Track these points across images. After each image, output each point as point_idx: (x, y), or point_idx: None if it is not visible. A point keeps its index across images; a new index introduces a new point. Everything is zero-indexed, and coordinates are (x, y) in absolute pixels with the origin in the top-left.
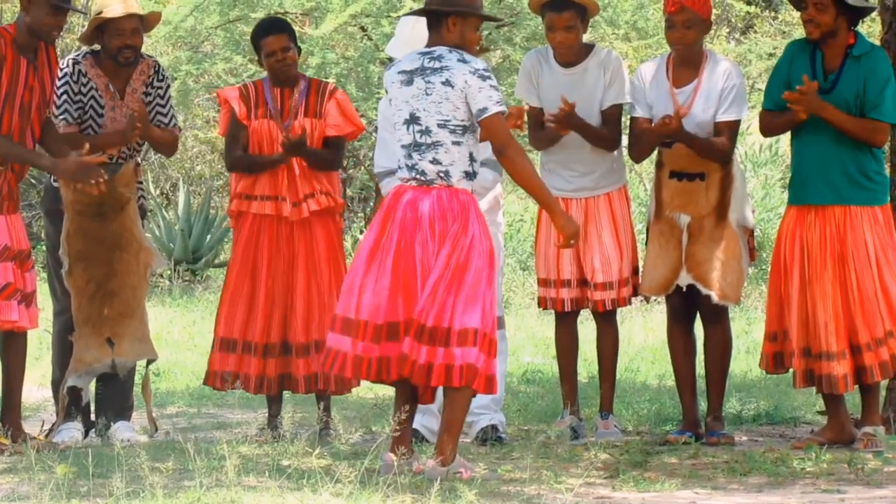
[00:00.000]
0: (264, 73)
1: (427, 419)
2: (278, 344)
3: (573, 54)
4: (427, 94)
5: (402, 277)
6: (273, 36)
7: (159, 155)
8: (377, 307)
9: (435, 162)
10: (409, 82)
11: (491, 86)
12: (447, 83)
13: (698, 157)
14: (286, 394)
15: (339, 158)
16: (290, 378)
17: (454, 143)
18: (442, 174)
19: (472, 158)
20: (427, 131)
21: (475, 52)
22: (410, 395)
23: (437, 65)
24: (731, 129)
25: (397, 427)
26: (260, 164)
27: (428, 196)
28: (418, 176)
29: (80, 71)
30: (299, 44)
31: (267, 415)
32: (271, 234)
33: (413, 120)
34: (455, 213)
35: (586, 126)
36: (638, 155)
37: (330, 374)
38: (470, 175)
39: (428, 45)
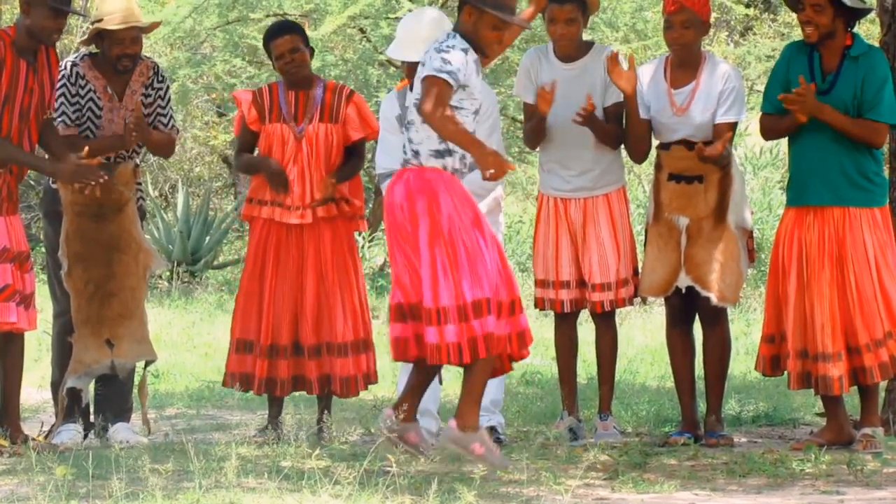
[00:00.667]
0: (263, 75)
1: (426, 421)
2: (289, 346)
3: (573, 48)
4: (418, 77)
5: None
6: (281, 38)
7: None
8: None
9: (409, 141)
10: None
11: (443, 57)
12: (422, 63)
13: (697, 160)
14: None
15: (360, 163)
16: (304, 379)
17: (423, 121)
18: (413, 153)
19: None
20: (408, 111)
21: (492, 50)
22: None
23: (425, 60)
24: (731, 131)
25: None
26: (251, 165)
27: (400, 180)
28: (402, 156)
29: (78, 73)
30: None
31: (267, 416)
32: (280, 237)
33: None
34: (421, 191)
35: (601, 124)
36: (635, 152)
37: (336, 376)
38: (441, 153)
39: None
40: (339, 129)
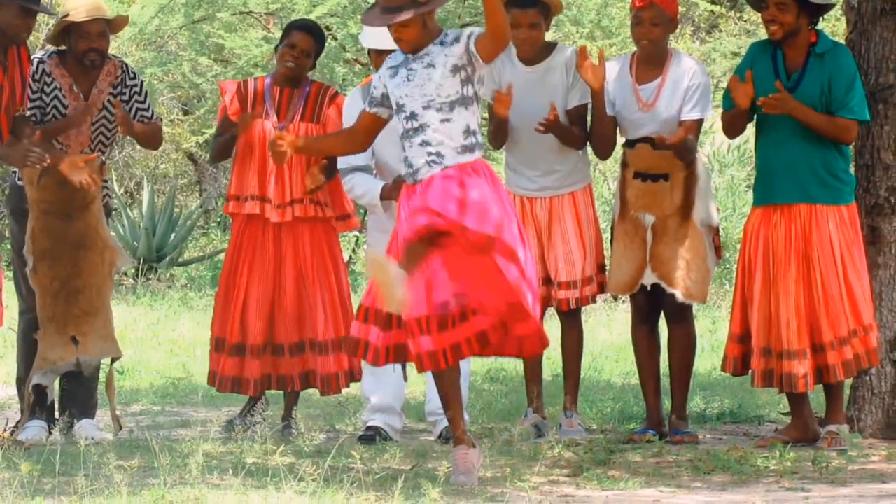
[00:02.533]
0: (229, 73)
1: (390, 418)
2: (267, 344)
3: (536, 51)
4: (409, 81)
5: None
6: (304, 34)
7: (123, 153)
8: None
9: (424, 144)
10: (395, 74)
11: (464, 32)
12: (430, 66)
13: (662, 158)
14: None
15: (334, 166)
16: (282, 377)
17: (442, 120)
18: (431, 159)
19: (468, 132)
20: (413, 116)
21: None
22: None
23: (419, 58)
24: (696, 128)
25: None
26: (219, 139)
27: (414, 194)
28: (408, 170)
29: (44, 70)
30: (266, 44)
31: (240, 410)
32: (258, 235)
33: (400, 108)
34: (462, 181)
35: (564, 129)
36: (601, 148)
37: (318, 373)
38: (468, 148)
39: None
40: (319, 130)
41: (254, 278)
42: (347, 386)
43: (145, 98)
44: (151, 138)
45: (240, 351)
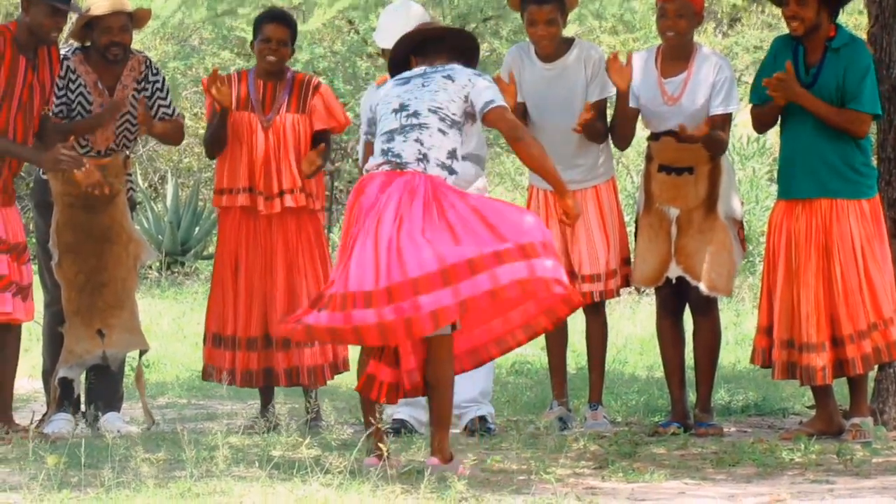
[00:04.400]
0: (252, 67)
1: (416, 410)
2: (260, 337)
3: (554, 47)
4: (423, 86)
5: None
6: (275, 24)
7: (147, 147)
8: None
9: (418, 141)
10: (406, 83)
11: (494, 87)
12: (448, 77)
13: (687, 151)
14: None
15: (326, 155)
16: (273, 372)
17: (440, 130)
18: (421, 157)
19: (453, 155)
20: (415, 114)
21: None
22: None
23: (441, 68)
24: (726, 122)
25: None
26: (211, 130)
27: (397, 179)
28: (392, 159)
29: (68, 67)
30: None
31: (260, 405)
32: (248, 228)
33: (401, 108)
34: (426, 191)
35: (595, 127)
36: (621, 140)
37: (304, 367)
38: (447, 168)
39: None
40: (305, 120)
41: (246, 270)
42: (332, 378)
43: (167, 94)
44: (173, 135)
45: (238, 344)
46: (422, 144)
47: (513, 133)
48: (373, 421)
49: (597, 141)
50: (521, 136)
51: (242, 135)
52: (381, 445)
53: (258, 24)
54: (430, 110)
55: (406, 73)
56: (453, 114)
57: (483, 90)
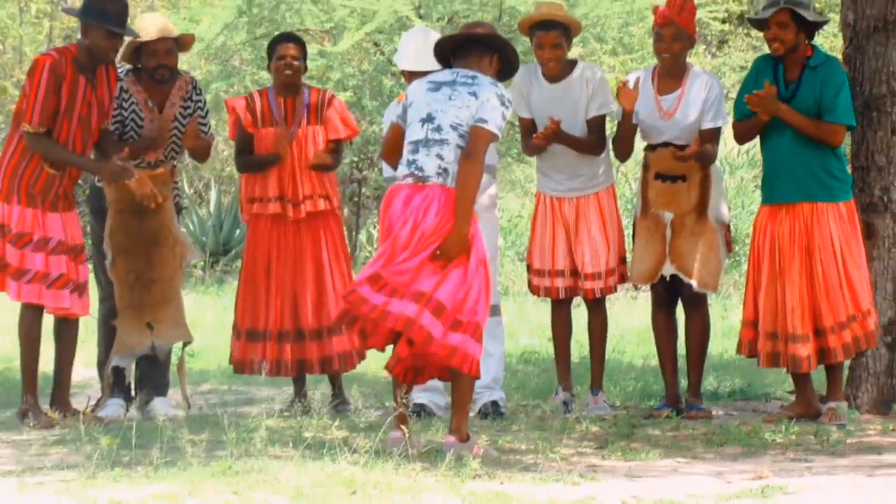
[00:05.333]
0: None
1: (434, 395)
2: (292, 331)
3: (559, 69)
4: (450, 100)
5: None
6: (286, 43)
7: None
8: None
9: (439, 157)
10: (436, 89)
11: (503, 113)
12: (473, 94)
13: (680, 161)
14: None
15: (338, 160)
16: (306, 362)
17: (458, 146)
18: (441, 171)
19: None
20: (439, 129)
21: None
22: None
23: (469, 81)
24: (716, 135)
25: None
26: (259, 162)
27: (420, 192)
28: (416, 172)
29: (121, 87)
30: (321, 58)
31: (293, 392)
32: (279, 231)
33: (429, 119)
34: (441, 208)
35: (571, 138)
36: (622, 155)
37: (334, 355)
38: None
39: (460, 66)
40: (323, 130)
41: (277, 270)
42: (359, 363)
43: (206, 115)
44: (202, 153)
45: (270, 337)
46: (442, 159)
47: (472, 151)
48: (396, 404)
49: (590, 153)
50: (474, 160)
51: (270, 149)
52: (402, 427)
53: (272, 46)
54: (451, 126)
55: (438, 77)
56: (468, 129)
57: (488, 108)
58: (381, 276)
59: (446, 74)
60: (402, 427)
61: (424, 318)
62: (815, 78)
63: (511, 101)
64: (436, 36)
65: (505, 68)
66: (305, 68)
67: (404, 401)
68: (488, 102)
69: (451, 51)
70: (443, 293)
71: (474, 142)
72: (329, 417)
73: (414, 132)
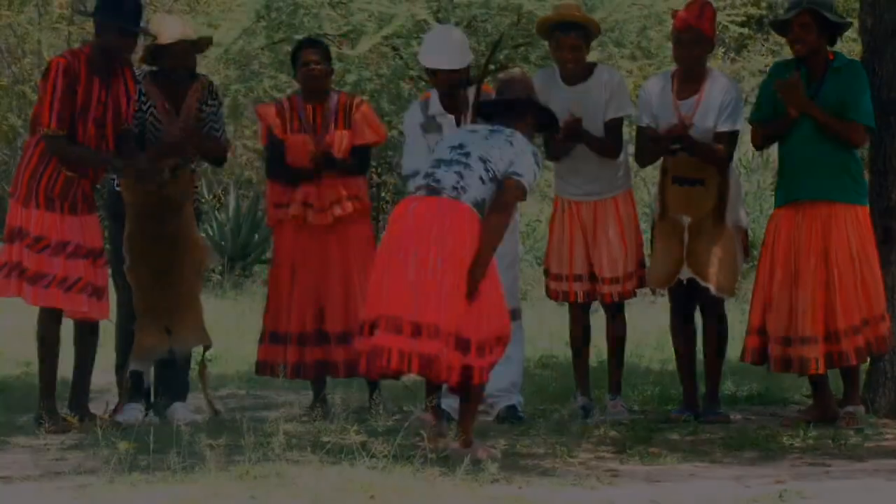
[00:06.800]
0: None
1: (452, 400)
2: (313, 333)
3: (578, 71)
4: (486, 140)
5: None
6: (309, 49)
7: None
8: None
9: (458, 175)
10: (474, 131)
11: (535, 172)
12: (509, 142)
13: (699, 165)
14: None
15: (365, 164)
16: (329, 364)
17: (480, 178)
18: (458, 187)
19: (480, 204)
20: (467, 154)
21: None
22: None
23: (508, 133)
24: (731, 138)
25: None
26: (297, 175)
27: (432, 204)
28: (432, 183)
29: (139, 89)
30: (339, 62)
31: (312, 396)
32: (305, 235)
33: (459, 147)
34: (453, 225)
35: (590, 136)
36: (644, 160)
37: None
38: (479, 207)
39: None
40: (350, 135)
41: (303, 273)
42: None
43: (220, 118)
44: (211, 154)
45: (291, 339)
46: (462, 178)
47: (504, 203)
48: (428, 403)
49: (608, 155)
50: (505, 212)
51: (300, 155)
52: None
53: (295, 53)
54: (479, 158)
55: (478, 127)
56: (497, 170)
57: (524, 164)
58: (388, 317)
59: (486, 126)
60: (434, 412)
61: (443, 354)
62: (838, 79)
63: (542, 162)
64: (459, 33)
65: (542, 123)
66: (332, 70)
67: (432, 400)
68: (524, 155)
69: (487, 116)
70: (460, 326)
71: (507, 193)
72: (347, 423)
73: (440, 153)
